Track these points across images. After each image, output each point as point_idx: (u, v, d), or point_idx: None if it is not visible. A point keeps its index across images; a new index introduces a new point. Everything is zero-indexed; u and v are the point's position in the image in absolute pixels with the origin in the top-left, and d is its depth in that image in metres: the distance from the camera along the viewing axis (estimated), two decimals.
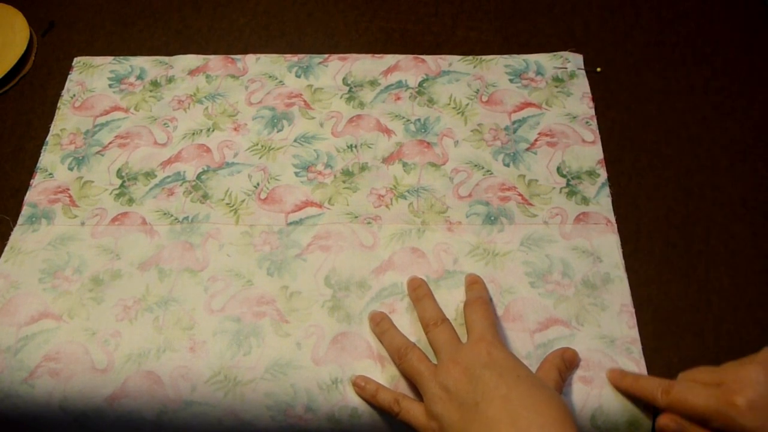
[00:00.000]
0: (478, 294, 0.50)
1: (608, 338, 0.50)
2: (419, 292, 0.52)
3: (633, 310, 0.51)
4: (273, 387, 0.49)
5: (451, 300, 0.52)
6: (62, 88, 0.66)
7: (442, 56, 0.65)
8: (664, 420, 0.44)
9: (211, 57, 0.67)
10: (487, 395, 0.42)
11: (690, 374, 0.45)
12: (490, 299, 0.51)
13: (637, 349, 0.50)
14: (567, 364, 0.48)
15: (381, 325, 0.51)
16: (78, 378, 0.50)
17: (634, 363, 0.49)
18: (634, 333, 0.50)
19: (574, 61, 0.64)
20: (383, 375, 0.49)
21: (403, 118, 0.62)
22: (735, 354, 0.44)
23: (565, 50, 0.65)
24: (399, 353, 0.48)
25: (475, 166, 0.59)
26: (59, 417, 0.49)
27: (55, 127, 0.63)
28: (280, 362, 0.50)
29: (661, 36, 0.67)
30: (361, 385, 0.49)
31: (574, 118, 0.61)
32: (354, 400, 0.48)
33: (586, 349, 0.49)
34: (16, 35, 0.69)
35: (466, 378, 0.43)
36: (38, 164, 0.61)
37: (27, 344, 0.51)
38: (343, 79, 0.65)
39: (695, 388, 0.43)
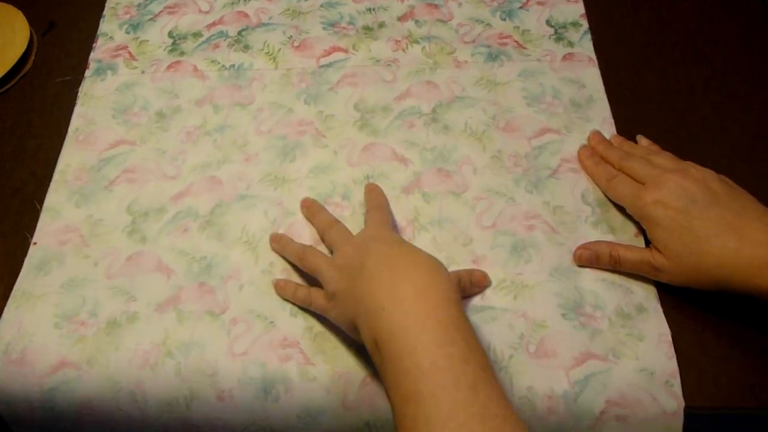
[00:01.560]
0: (376, 202, 0.54)
1: (647, 371, 0.49)
2: (312, 209, 0.55)
3: (671, 340, 0.50)
4: None
5: None
6: (62, 88, 0.66)
7: (455, 80, 0.64)
8: (579, 251, 0.53)
9: (216, 85, 0.65)
10: (371, 255, 0.45)
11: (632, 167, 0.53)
12: (387, 204, 0.55)
13: (677, 382, 0.48)
14: (474, 280, 0.51)
15: (281, 240, 0.54)
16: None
17: (674, 399, 0.47)
18: (673, 364, 0.49)
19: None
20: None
21: (419, 146, 0.60)
22: (736, 347, 0.44)
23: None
24: (298, 256, 0.51)
25: (497, 193, 0.57)
26: None
27: (60, 165, 0.60)
28: None
29: (661, 36, 0.67)
30: (281, 286, 0.52)
31: None
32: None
33: (625, 385, 0.48)
34: (16, 35, 0.69)
35: (355, 251, 0.47)
36: (45, 203, 0.58)
37: None
38: (355, 105, 0.63)
39: (627, 182, 0.53)
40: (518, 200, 0.57)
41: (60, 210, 0.58)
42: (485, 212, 0.56)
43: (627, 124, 0.61)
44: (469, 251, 0.54)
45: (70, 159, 0.61)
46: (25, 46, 0.68)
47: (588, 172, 0.57)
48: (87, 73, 0.66)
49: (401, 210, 0.56)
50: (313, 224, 0.55)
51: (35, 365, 0.50)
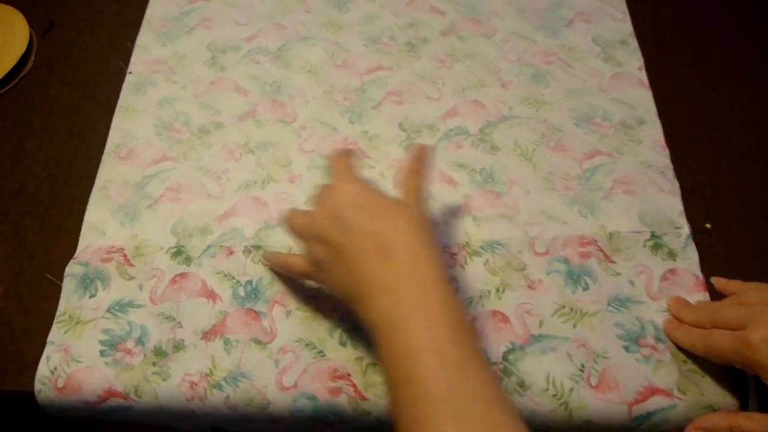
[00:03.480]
0: (336, 157, 0.50)
1: (711, 407, 0.47)
2: None
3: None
4: None
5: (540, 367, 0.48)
6: (62, 88, 0.66)
7: (501, 100, 0.62)
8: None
9: (258, 100, 0.63)
10: (353, 233, 0.43)
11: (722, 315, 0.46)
12: (350, 152, 0.50)
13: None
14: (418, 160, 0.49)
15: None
16: None
17: None
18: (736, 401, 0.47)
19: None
20: None
21: (468, 167, 0.58)
22: None
23: None
24: (282, 220, 0.50)
25: (550, 217, 0.55)
26: None
27: (99, 179, 0.59)
28: None
29: (661, 36, 0.67)
30: (271, 260, 0.52)
31: (649, 166, 0.58)
32: None
33: (688, 422, 0.46)
34: (16, 35, 0.69)
35: (334, 223, 0.44)
36: (85, 217, 0.57)
37: None
38: (399, 124, 0.61)
39: (724, 334, 0.44)
40: (572, 224, 0.55)
41: (103, 228, 0.56)
42: (538, 237, 0.54)
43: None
44: (524, 276, 0.52)
45: (111, 174, 0.59)
46: (25, 47, 0.68)
47: (681, 344, 0.48)
48: (124, 86, 0.65)
49: (452, 234, 0.55)
50: None
51: (82, 392, 0.49)
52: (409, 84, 0.64)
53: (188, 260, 0.54)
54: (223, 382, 0.49)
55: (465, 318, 0.41)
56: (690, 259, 0.53)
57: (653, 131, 0.60)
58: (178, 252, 0.55)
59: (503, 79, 0.64)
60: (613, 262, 0.53)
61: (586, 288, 0.52)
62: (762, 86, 0.63)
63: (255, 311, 0.52)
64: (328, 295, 0.52)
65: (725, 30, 0.67)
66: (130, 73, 0.66)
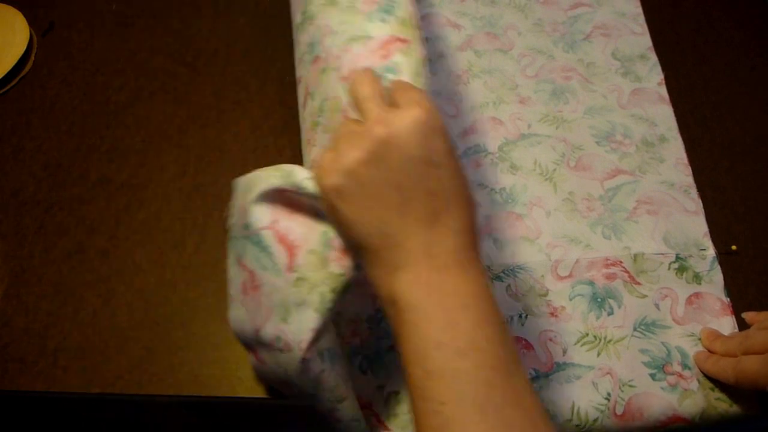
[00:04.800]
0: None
1: None
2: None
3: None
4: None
5: (563, 396, 0.47)
6: (62, 88, 0.66)
7: (519, 117, 0.61)
8: None
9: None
10: (389, 182, 0.35)
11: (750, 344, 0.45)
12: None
13: None
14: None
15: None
16: None
17: None
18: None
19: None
20: None
21: (487, 186, 0.57)
22: None
23: None
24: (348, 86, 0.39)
25: (572, 240, 0.54)
26: None
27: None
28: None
29: (661, 36, 0.67)
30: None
31: (672, 186, 0.57)
32: None
33: None
34: (16, 35, 0.69)
35: (373, 159, 0.35)
36: None
37: None
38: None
39: (753, 359, 0.44)
40: (595, 247, 0.54)
41: None
42: (561, 261, 0.53)
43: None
44: (546, 301, 0.51)
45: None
46: (25, 47, 0.68)
47: (711, 373, 0.47)
48: None
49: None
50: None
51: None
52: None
53: None
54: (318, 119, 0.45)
55: (497, 308, 0.37)
56: (715, 283, 0.52)
57: (675, 149, 0.59)
58: None
59: (521, 95, 0.63)
60: (638, 283, 0.52)
61: (611, 312, 0.51)
62: (762, 86, 0.63)
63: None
64: (349, 319, 0.49)
65: (725, 30, 0.67)
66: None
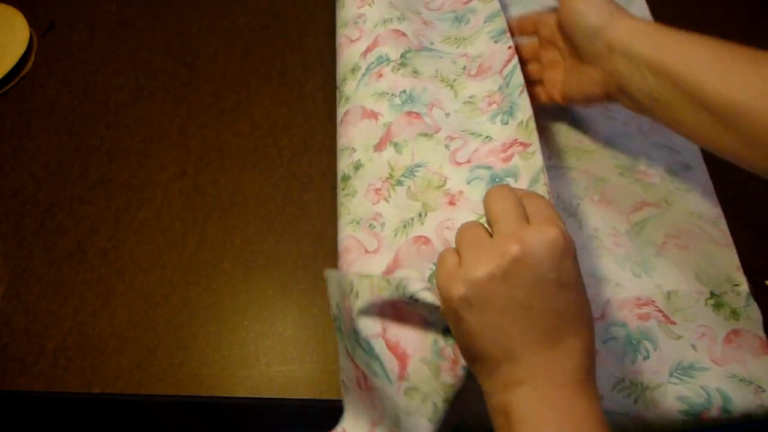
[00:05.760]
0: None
1: None
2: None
3: None
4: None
5: None
6: (62, 88, 0.66)
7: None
8: None
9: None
10: (524, 304, 0.35)
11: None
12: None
13: None
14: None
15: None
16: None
17: None
18: None
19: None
20: None
21: None
22: None
23: None
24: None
25: (602, 279, 0.51)
26: None
27: None
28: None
29: None
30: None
31: (700, 217, 0.53)
32: None
33: None
34: (16, 35, 0.69)
35: (520, 284, 0.35)
36: None
37: None
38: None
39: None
40: (625, 285, 0.50)
41: None
42: (591, 301, 0.46)
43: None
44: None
45: None
46: (25, 47, 0.68)
47: None
48: None
49: None
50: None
51: None
52: None
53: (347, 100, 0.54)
54: (402, 178, 0.47)
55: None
56: (753, 319, 0.48)
57: (701, 178, 0.55)
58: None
59: (540, 125, 0.55)
60: (674, 323, 0.48)
61: (646, 357, 0.47)
62: None
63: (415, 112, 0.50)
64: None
65: (725, 29, 0.67)
66: None
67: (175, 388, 0.50)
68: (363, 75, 0.55)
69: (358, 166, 0.50)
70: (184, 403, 0.48)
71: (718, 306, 0.49)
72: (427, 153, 0.48)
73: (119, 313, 0.53)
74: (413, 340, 0.39)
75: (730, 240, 0.52)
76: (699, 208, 0.54)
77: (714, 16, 0.68)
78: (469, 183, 0.46)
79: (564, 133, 0.58)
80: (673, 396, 0.45)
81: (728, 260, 0.51)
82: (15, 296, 0.54)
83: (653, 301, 0.49)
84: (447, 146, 0.48)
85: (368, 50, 0.56)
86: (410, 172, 0.48)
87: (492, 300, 0.35)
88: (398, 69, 0.53)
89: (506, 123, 0.47)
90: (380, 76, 0.53)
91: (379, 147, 0.50)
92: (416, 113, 0.51)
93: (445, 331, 0.39)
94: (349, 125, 0.53)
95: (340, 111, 0.55)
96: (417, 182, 0.47)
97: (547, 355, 0.35)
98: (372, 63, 0.55)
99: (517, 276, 0.34)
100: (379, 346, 0.39)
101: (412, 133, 0.50)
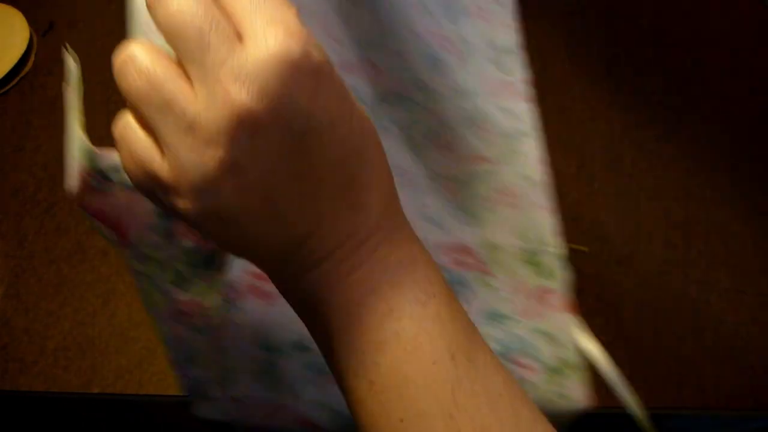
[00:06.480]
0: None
1: None
2: None
3: None
4: None
5: None
6: (62, 88, 0.66)
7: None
8: None
9: None
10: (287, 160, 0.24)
11: None
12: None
13: None
14: None
15: None
16: None
17: None
18: None
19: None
20: None
21: None
22: (734, 354, 0.44)
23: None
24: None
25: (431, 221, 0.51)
26: None
27: None
28: None
29: (660, 36, 0.67)
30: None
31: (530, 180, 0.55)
32: None
33: None
34: (16, 35, 0.69)
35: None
36: None
37: None
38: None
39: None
40: (451, 231, 0.52)
41: None
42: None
43: (629, 125, 0.57)
44: None
45: None
46: (25, 47, 0.68)
47: None
48: None
49: None
50: None
51: None
52: None
53: None
54: None
55: (455, 297, 0.31)
56: (562, 280, 0.51)
57: (535, 145, 0.55)
58: None
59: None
60: (493, 275, 0.50)
61: (464, 303, 0.47)
62: (762, 86, 0.63)
63: None
64: None
65: (725, 30, 0.67)
66: None
67: (175, 388, 0.50)
68: None
69: None
70: (184, 403, 0.48)
71: (534, 264, 0.52)
72: None
73: (119, 313, 0.53)
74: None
75: (553, 206, 0.54)
76: (530, 172, 0.55)
77: (714, 16, 0.68)
78: None
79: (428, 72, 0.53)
80: (489, 338, 0.47)
81: (549, 224, 0.53)
82: (15, 296, 0.54)
83: (475, 251, 0.51)
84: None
85: None
86: None
87: (240, 206, 0.24)
88: None
89: None
90: None
91: None
92: None
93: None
94: None
95: None
96: None
97: (345, 216, 0.26)
98: None
99: (262, 142, 0.22)
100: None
101: None
